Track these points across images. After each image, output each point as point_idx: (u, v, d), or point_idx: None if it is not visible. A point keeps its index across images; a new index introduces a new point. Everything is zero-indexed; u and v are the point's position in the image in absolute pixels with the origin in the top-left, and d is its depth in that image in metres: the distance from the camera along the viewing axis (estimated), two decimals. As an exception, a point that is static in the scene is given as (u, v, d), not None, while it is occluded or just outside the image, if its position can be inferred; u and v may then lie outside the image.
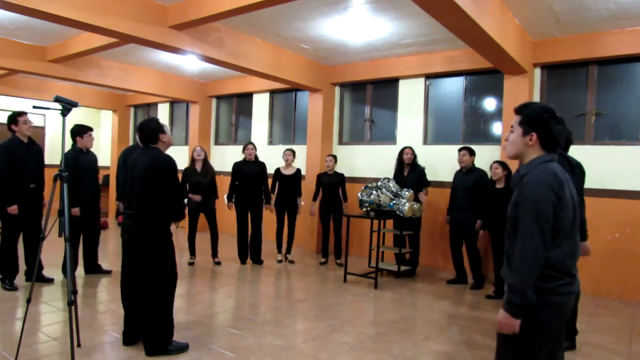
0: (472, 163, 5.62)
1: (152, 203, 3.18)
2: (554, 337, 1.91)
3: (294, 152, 6.65)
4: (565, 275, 1.84)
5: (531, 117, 1.91)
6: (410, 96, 6.94)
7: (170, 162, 3.25)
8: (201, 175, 6.14)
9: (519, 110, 1.98)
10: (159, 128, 3.32)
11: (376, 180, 6.06)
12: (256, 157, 6.44)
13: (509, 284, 1.84)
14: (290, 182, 6.54)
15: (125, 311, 3.37)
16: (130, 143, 11.50)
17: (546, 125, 1.88)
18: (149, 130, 3.30)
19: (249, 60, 6.14)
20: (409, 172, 6.07)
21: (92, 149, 5.38)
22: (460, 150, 5.65)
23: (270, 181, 6.60)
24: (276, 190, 6.56)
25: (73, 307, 3.04)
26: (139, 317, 3.30)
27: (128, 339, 3.36)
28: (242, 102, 9.27)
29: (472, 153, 5.61)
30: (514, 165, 5.05)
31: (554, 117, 1.89)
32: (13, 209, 4.58)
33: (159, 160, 3.21)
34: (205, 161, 6.26)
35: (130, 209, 3.27)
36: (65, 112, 3.07)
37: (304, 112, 8.02)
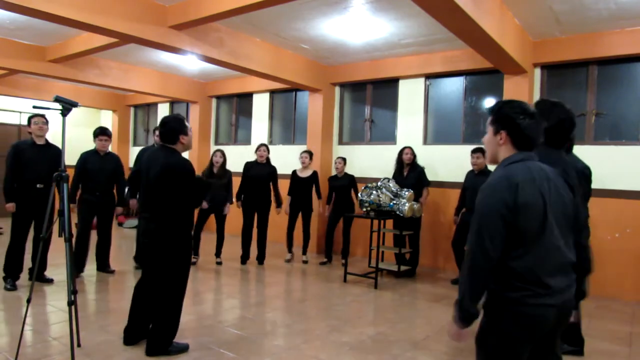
0: (485, 165, 5.52)
1: (169, 207, 3.16)
2: (527, 348, 1.78)
3: (310, 154, 6.63)
4: (534, 285, 1.69)
5: (499, 115, 1.82)
6: (410, 96, 6.94)
7: (188, 167, 3.20)
8: (215, 178, 6.06)
9: (490, 110, 1.89)
10: (182, 129, 3.23)
11: (376, 180, 6.06)
12: (268, 159, 6.43)
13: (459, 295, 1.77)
14: (306, 185, 6.53)
15: (132, 310, 3.35)
16: (131, 143, 11.53)
17: (513, 122, 1.77)
18: (170, 130, 3.21)
19: (249, 60, 6.14)
20: (409, 172, 6.07)
21: (111, 152, 5.60)
22: (474, 152, 5.55)
23: (284, 184, 6.59)
24: (291, 192, 6.57)
25: (73, 307, 3.03)
26: (145, 317, 3.30)
27: (129, 339, 3.36)
28: (242, 102, 9.27)
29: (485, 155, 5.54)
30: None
31: (524, 112, 1.77)
32: (10, 206, 4.62)
33: (176, 164, 3.16)
34: (223, 165, 6.19)
35: (146, 212, 3.24)
36: (65, 112, 3.07)
37: (304, 112, 8.02)
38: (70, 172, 3.41)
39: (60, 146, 3.20)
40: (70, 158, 5.06)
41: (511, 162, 1.77)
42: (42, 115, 4.82)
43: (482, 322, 1.83)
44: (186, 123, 3.30)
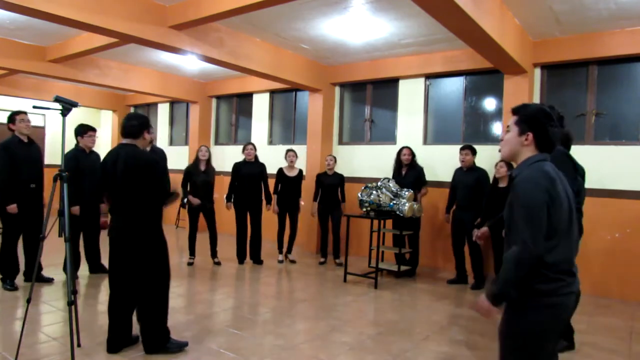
0: (473, 162, 5.63)
1: (136, 200, 3.13)
2: (555, 337, 1.91)
3: (296, 153, 6.67)
4: (566, 275, 1.83)
5: (528, 117, 1.93)
6: (410, 96, 6.94)
7: (154, 159, 3.21)
8: (205, 175, 6.13)
9: (516, 110, 1.99)
10: (147, 125, 3.30)
11: (376, 180, 6.06)
12: (256, 157, 6.43)
13: (498, 275, 1.85)
14: (293, 184, 6.55)
15: (111, 316, 3.23)
16: (130, 143, 11.51)
17: (543, 126, 1.89)
18: (134, 125, 3.24)
19: (249, 60, 6.14)
20: (408, 171, 6.08)
21: (94, 150, 5.42)
22: (462, 149, 5.64)
23: (272, 181, 6.58)
24: (278, 191, 6.56)
25: (73, 307, 3.03)
26: (126, 321, 3.25)
27: (113, 346, 3.23)
28: (242, 102, 9.27)
29: (474, 152, 5.61)
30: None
31: (550, 119, 1.91)
32: (12, 207, 4.57)
33: (142, 157, 3.15)
34: (209, 161, 6.25)
35: (115, 207, 3.20)
36: (65, 112, 3.07)
37: (304, 112, 8.02)
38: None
39: (59, 146, 3.19)
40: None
41: (537, 161, 1.88)
42: (24, 112, 4.73)
43: (513, 316, 1.90)
44: (148, 121, 3.38)
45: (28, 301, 3.05)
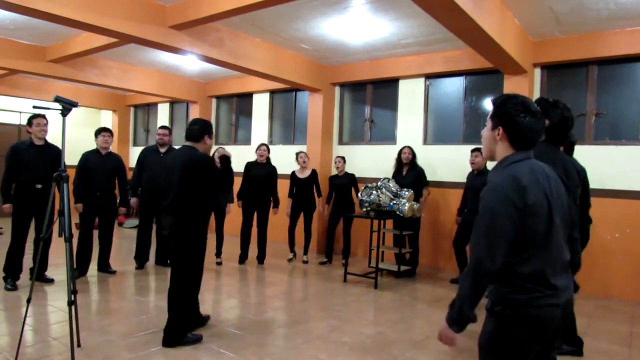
0: (484, 164, 5.51)
1: (187, 202, 3.34)
2: (535, 350, 1.74)
3: (307, 155, 6.67)
4: (543, 286, 1.66)
5: (500, 110, 1.74)
6: (410, 96, 6.94)
7: (208, 159, 3.45)
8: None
9: (492, 102, 1.81)
10: (208, 130, 3.53)
11: (376, 180, 6.06)
12: (268, 159, 6.43)
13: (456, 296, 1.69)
14: (306, 185, 6.54)
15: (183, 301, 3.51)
16: (130, 143, 11.53)
17: (512, 119, 1.69)
18: (198, 129, 3.49)
19: (249, 60, 6.14)
20: (408, 171, 6.08)
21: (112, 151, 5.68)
22: (472, 151, 5.56)
23: (284, 185, 6.59)
24: (293, 194, 6.58)
25: (73, 307, 3.03)
26: (194, 304, 3.61)
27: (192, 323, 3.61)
28: (242, 102, 9.27)
29: None
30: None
31: (525, 110, 1.69)
32: (7, 207, 4.64)
33: (197, 158, 3.38)
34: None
35: (169, 205, 3.40)
36: (65, 112, 3.07)
37: (304, 112, 8.02)
38: (70, 172, 3.43)
39: (59, 146, 3.20)
40: (70, 158, 5.05)
41: (512, 162, 1.71)
42: (44, 116, 4.81)
43: (490, 326, 1.76)
44: (210, 125, 3.61)
45: (28, 301, 3.05)
